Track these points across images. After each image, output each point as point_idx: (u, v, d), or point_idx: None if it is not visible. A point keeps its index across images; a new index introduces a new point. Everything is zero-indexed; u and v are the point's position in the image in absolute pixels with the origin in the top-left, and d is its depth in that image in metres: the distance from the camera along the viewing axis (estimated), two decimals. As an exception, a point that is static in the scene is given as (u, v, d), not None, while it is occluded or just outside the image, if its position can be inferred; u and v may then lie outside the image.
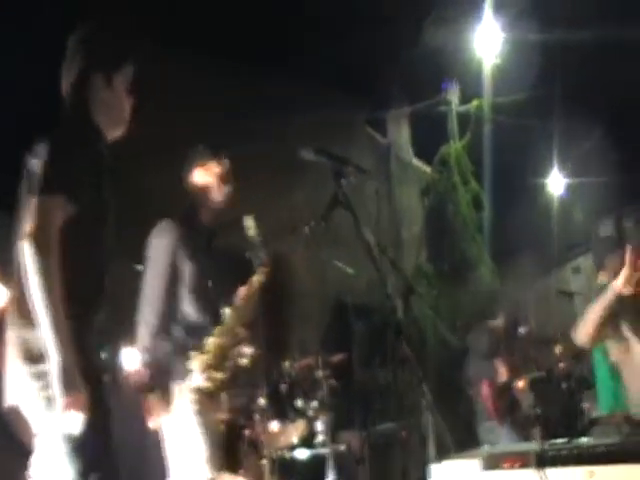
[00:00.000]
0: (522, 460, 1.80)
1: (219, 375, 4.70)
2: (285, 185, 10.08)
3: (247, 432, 5.82)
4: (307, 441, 6.44)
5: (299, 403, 6.38)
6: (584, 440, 1.80)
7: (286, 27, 10.66)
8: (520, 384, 10.41)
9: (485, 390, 9.89)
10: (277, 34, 10.48)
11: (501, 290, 15.56)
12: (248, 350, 4.89)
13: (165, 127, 7.90)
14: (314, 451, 6.33)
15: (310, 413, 6.41)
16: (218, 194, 5.38)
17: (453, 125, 15.46)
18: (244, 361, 4.85)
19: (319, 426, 6.40)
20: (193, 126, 8.13)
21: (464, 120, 15.62)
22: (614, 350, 4.93)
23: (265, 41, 10.27)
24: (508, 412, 9.93)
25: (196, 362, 4.71)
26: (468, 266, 14.49)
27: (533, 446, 1.78)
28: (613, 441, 1.69)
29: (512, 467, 1.83)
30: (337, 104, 11.76)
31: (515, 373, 11.09)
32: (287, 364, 6.54)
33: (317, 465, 6.19)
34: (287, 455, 6.34)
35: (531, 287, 31.69)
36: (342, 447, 6.41)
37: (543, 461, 1.74)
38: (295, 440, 6.43)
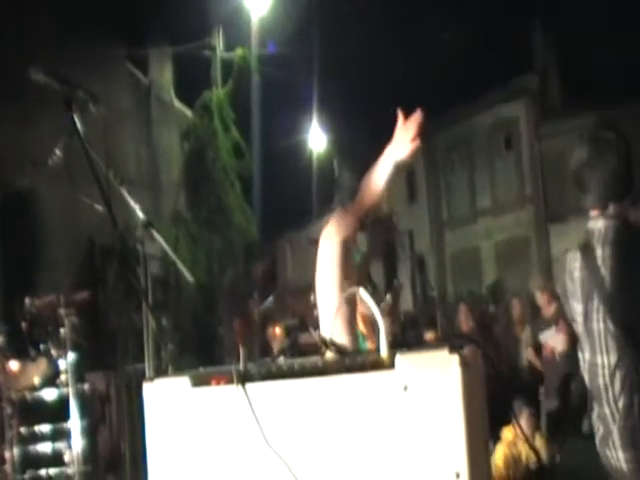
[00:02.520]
0: (227, 378, 1.91)
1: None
2: (32, 116, 9.50)
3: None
4: (51, 381, 6.20)
5: (40, 341, 6.11)
6: (282, 360, 2.00)
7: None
8: (276, 330, 10.76)
9: (237, 328, 10.13)
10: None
11: (258, 238, 15.93)
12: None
13: None
14: (59, 391, 6.10)
15: (52, 352, 6.16)
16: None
17: (216, 71, 15.40)
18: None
19: (62, 365, 6.17)
20: None
21: (229, 68, 15.60)
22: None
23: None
24: (260, 354, 10.21)
25: None
26: (226, 213, 14.61)
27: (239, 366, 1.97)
28: (306, 360, 1.91)
29: (218, 384, 1.93)
30: (95, 37, 11.23)
31: (268, 317, 11.46)
32: (28, 301, 6.21)
33: (62, 406, 5.98)
34: (30, 396, 6.06)
35: (288, 237, 32.73)
36: (86, 387, 6.24)
37: (244, 378, 1.89)
38: (37, 380, 6.16)
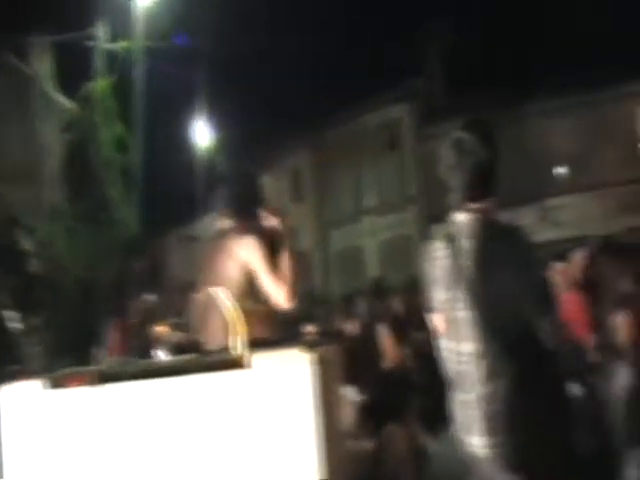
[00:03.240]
0: (86, 378, 1.88)
1: None
2: None
3: None
4: None
5: None
6: (143, 360, 2.01)
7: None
8: (161, 329, 10.55)
9: (114, 329, 9.90)
10: None
11: (141, 234, 15.61)
12: None
13: None
14: None
15: None
16: None
17: (99, 62, 15.01)
18: None
19: None
20: None
21: (113, 59, 15.24)
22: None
23: None
24: (140, 355, 10.02)
25: None
26: (108, 208, 14.27)
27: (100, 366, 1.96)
28: (165, 360, 1.92)
29: (76, 385, 1.90)
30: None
31: (150, 315, 11.24)
32: None
33: None
34: None
35: (173, 233, 32.23)
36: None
37: (104, 378, 1.87)
38: None
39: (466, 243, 2.91)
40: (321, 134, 26.94)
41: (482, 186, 2.97)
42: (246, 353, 1.90)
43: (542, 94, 21.12)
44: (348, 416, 6.15)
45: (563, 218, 22.95)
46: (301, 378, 1.84)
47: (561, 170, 23.67)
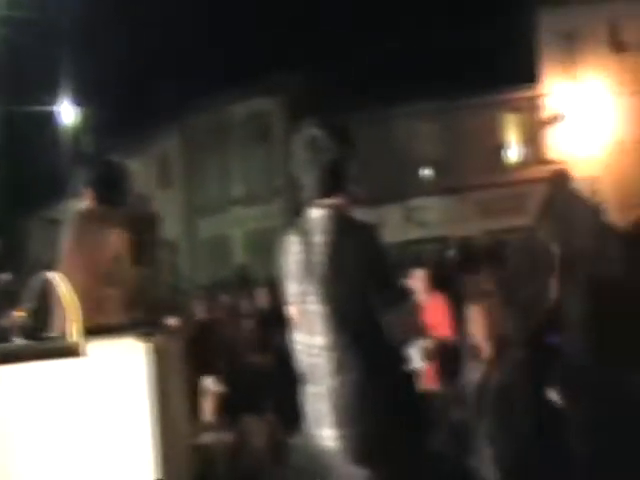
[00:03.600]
0: None
1: None
2: None
3: None
4: None
5: None
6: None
7: None
8: (17, 313, 10.10)
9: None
10: None
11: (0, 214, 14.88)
12: None
13: None
14: None
15: None
16: None
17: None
18: None
19: None
20: None
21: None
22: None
23: None
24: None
25: None
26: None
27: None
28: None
29: None
30: None
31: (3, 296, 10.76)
32: None
33: None
34: None
35: (37, 214, 30.98)
36: None
37: None
38: None
39: (318, 238, 2.94)
40: (191, 120, 26.59)
41: (335, 183, 3.01)
42: (81, 341, 1.81)
43: (410, 97, 21.66)
44: (208, 408, 6.09)
45: (426, 219, 23.71)
46: (136, 368, 1.77)
47: (426, 172, 24.43)
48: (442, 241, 19.79)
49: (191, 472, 2.19)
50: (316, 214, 2.99)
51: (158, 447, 1.78)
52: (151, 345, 1.79)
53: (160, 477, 1.77)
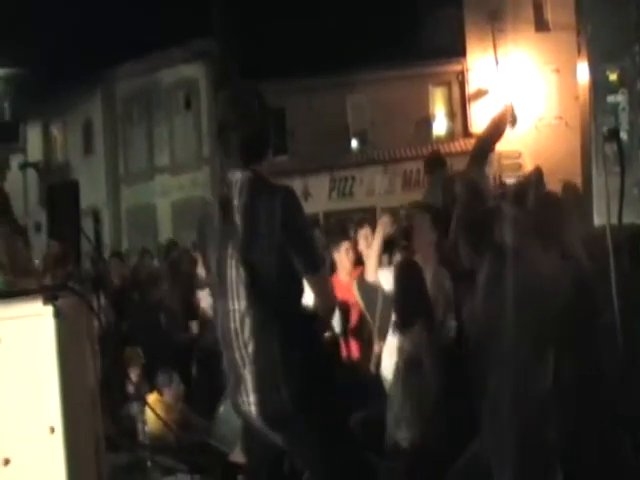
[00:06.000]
0: None
1: None
2: None
3: None
4: None
5: None
6: None
7: None
8: None
9: None
10: None
11: None
12: None
13: None
14: None
15: None
16: None
17: None
18: None
19: None
20: None
21: None
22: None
23: None
24: None
25: None
26: None
27: None
28: None
29: None
30: None
31: None
32: None
33: None
34: None
35: None
36: None
37: None
38: None
39: (236, 201, 2.95)
40: (114, 85, 25.98)
41: (255, 148, 3.03)
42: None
43: (337, 68, 21.63)
44: (132, 377, 6.03)
45: (353, 189, 23.83)
46: (43, 331, 1.75)
47: (354, 143, 24.51)
48: (368, 211, 19.95)
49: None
50: (235, 178, 2.99)
51: (62, 408, 1.77)
52: (57, 309, 1.77)
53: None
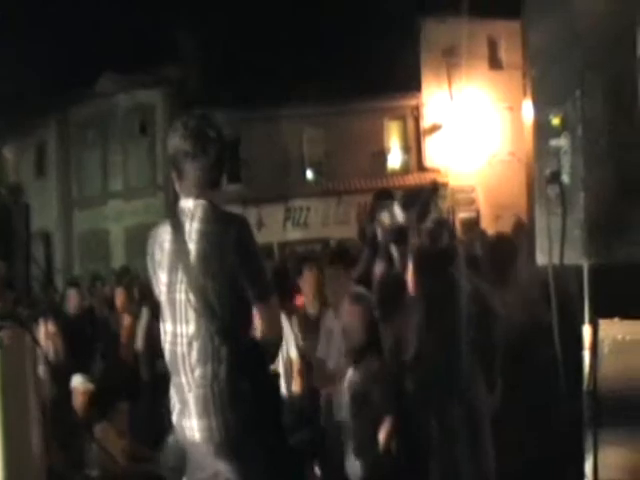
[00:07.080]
0: None
1: None
2: None
3: None
4: None
5: None
6: None
7: None
8: None
9: None
10: None
11: None
12: None
13: None
14: None
15: None
16: None
17: None
18: None
19: None
20: None
21: None
22: None
23: None
24: None
25: None
26: None
27: None
28: None
29: None
30: None
31: None
32: None
33: None
34: None
35: None
36: None
37: None
38: None
39: (189, 227, 2.98)
40: (69, 108, 25.76)
41: (210, 177, 3.05)
42: None
43: (296, 99, 21.81)
44: (77, 404, 5.93)
45: (308, 219, 23.92)
46: None
47: (309, 174, 24.65)
48: (322, 241, 20.02)
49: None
50: (189, 204, 3.02)
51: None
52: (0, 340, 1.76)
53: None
